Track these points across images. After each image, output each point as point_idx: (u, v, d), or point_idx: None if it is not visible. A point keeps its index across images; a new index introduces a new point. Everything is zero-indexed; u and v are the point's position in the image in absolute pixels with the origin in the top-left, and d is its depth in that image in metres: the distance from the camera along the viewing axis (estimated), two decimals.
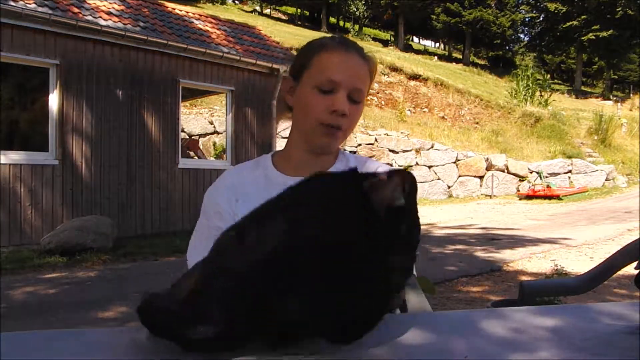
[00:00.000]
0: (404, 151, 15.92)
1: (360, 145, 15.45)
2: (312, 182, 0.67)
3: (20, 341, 0.79)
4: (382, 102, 20.83)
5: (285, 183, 1.04)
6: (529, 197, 15.03)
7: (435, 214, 11.74)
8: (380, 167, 1.13)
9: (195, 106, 15.24)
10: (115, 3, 8.68)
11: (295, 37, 23.04)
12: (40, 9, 7.18)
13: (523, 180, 16.41)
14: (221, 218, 1.05)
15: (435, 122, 20.11)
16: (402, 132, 16.81)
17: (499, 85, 29.52)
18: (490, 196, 15.64)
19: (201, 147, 13.84)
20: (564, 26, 37.21)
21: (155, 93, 8.48)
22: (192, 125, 14.31)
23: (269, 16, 41.14)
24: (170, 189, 8.60)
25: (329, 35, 1.16)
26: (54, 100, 7.42)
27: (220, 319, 0.60)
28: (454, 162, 16.13)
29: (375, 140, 15.83)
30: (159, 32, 8.64)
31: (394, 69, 22.69)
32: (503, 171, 16.34)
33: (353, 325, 0.66)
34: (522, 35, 48.15)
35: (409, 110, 20.78)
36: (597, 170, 17.07)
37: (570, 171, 16.95)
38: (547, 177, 15.89)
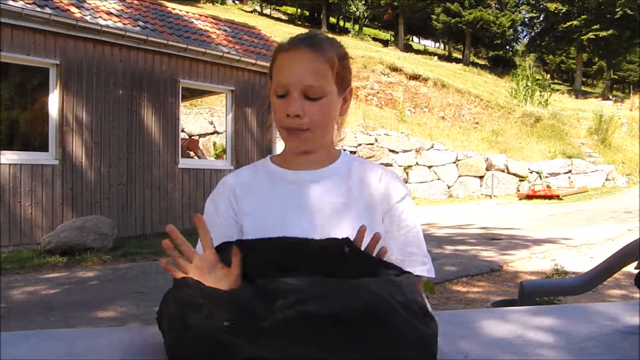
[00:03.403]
0: (404, 151, 15.92)
1: (360, 145, 15.44)
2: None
3: (20, 341, 0.79)
4: (382, 102, 20.82)
5: (284, 175, 1.11)
6: (529, 197, 15.01)
7: (435, 214, 11.73)
8: (381, 171, 1.12)
9: (195, 106, 15.24)
10: (115, 3, 8.68)
11: None
12: (40, 9, 7.18)
13: (523, 180, 16.40)
14: (216, 220, 1.10)
15: (435, 122, 20.10)
16: (402, 132, 16.80)
17: (499, 85, 29.50)
18: (490, 196, 15.63)
19: (201, 147, 13.83)
20: (564, 26, 37.17)
21: (155, 93, 8.48)
22: (192, 125, 14.31)
23: (269, 16, 41.15)
24: (170, 189, 8.60)
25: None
26: (54, 100, 7.41)
27: None
28: (454, 162, 16.13)
29: (375, 140, 15.82)
30: (159, 32, 8.64)
31: (394, 69, 22.68)
32: (503, 171, 16.33)
33: None
34: (522, 35, 48.21)
35: (409, 110, 20.77)
36: (597, 170, 17.06)
37: (570, 171, 16.94)
38: (547, 177, 15.88)
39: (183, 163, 8.96)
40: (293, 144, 1.06)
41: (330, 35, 1.17)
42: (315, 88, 1.02)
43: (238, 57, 9.30)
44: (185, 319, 0.72)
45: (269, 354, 0.66)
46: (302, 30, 1.16)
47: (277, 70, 1.05)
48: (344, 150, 1.18)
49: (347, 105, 1.11)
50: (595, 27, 35.66)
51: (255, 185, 1.11)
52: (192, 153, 12.89)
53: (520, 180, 16.46)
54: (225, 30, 10.43)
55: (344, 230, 1.03)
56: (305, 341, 0.67)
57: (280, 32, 23.29)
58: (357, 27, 43.44)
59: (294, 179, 1.08)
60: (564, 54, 44.44)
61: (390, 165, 15.38)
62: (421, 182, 15.65)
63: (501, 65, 40.67)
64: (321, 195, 1.07)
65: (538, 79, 24.18)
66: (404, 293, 0.76)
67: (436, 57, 37.01)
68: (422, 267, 1.07)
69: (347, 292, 0.72)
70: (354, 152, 14.28)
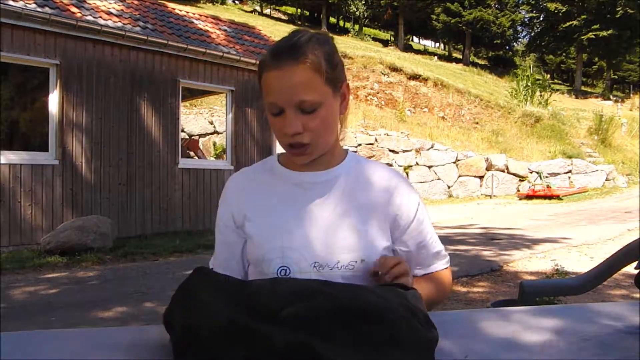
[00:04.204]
0: (404, 151, 15.92)
1: (360, 145, 15.44)
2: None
3: (20, 341, 0.79)
4: (382, 102, 20.82)
5: (288, 176, 1.09)
6: (529, 197, 15.02)
7: (435, 214, 11.74)
8: (389, 175, 1.11)
9: (195, 106, 15.24)
10: (115, 3, 8.68)
11: None
12: (40, 9, 7.18)
13: (523, 180, 16.40)
14: (221, 226, 1.12)
15: (435, 122, 20.10)
16: (402, 132, 16.80)
17: (499, 85, 29.50)
18: (490, 196, 15.63)
19: (201, 147, 13.83)
20: (564, 26, 37.17)
21: (155, 93, 8.48)
22: (192, 125, 14.31)
23: (269, 16, 41.14)
24: (170, 189, 8.59)
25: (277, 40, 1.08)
26: (54, 100, 7.41)
27: None
28: (454, 162, 16.13)
29: (375, 140, 15.82)
30: (159, 32, 8.64)
31: (394, 69, 22.68)
32: (503, 171, 16.34)
33: None
34: (522, 35, 48.20)
35: (409, 110, 20.77)
36: (597, 170, 17.07)
37: (570, 171, 16.94)
38: (547, 177, 15.88)
39: (183, 163, 8.96)
40: (297, 158, 1.04)
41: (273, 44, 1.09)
42: (309, 102, 0.98)
43: (238, 57, 9.30)
44: (202, 300, 0.75)
45: (277, 337, 0.69)
46: None
47: (266, 90, 1.01)
48: (351, 151, 1.17)
49: (346, 102, 1.07)
50: (595, 27, 35.66)
51: (258, 187, 1.10)
52: (192, 153, 12.89)
53: (520, 180, 16.46)
54: (225, 30, 10.43)
55: (345, 235, 1.03)
56: (311, 333, 0.70)
57: (280, 32, 23.27)
58: (357, 27, 43.43)
59: (297, 180, 1.07)
60: (564, 54, 44.44)
61: (390, 165, 15.39)
62: (421, 182, 15.65)
63: (501, 65, 40.68)
64: (323, 199, 1.06)
65: (538, 79, 24.19)
66: (409, 300, 0.79)
67: (436, 57, 37.00)
68: (445, 260, 1.17)
69: (354, 293, 0.76)
70: (354, 152, 14.28)
